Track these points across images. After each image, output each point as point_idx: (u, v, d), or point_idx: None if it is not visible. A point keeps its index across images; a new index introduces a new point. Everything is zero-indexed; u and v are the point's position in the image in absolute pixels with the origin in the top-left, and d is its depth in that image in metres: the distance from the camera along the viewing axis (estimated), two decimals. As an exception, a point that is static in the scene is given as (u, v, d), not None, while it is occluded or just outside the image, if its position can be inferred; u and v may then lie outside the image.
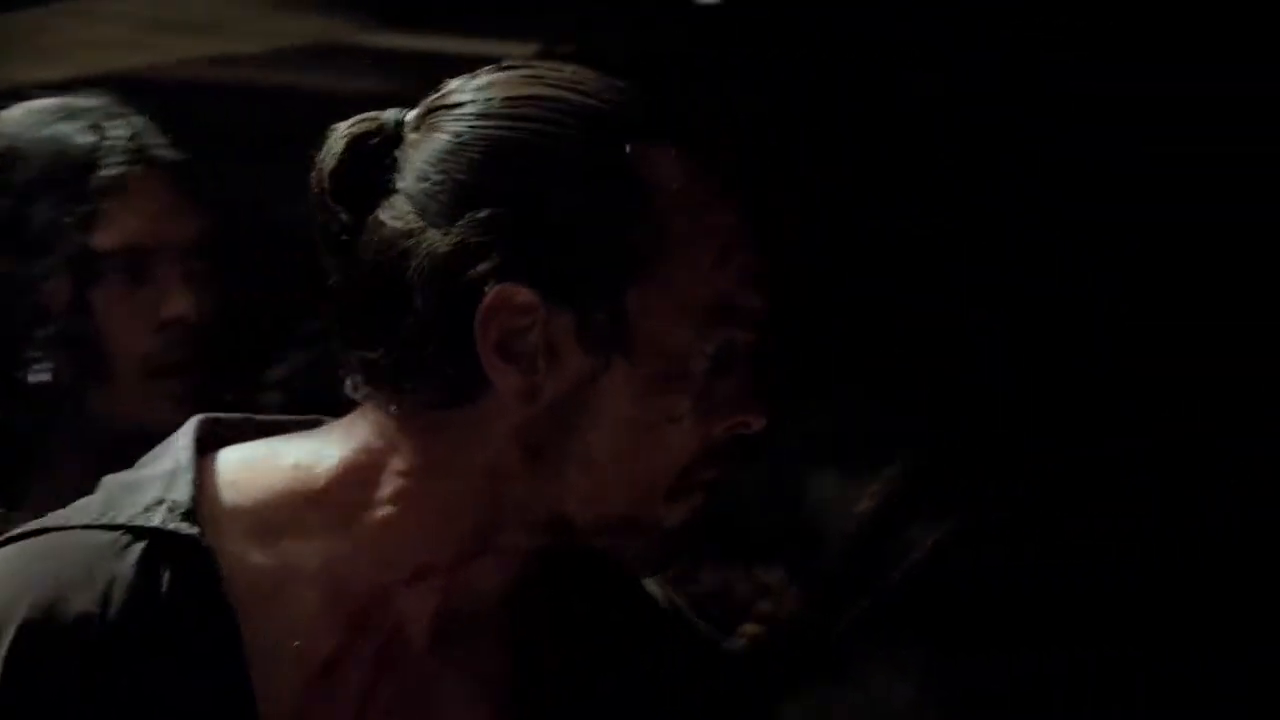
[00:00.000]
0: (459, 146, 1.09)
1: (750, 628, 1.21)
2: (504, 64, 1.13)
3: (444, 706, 1.13)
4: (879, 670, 1.59)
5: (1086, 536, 1.85)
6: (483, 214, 1.06)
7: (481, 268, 1.06)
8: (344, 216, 1.10)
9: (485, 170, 1.08)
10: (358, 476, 1.10)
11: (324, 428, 1.14)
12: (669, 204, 1.09)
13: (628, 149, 1.08)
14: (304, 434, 1.14)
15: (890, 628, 1.57)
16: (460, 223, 1.06)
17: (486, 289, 1.06)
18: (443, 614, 1.13)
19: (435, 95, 1.13)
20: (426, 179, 1.08)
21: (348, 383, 1.11)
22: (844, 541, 1.13)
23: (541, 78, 1.12)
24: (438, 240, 1.07)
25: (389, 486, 1.10)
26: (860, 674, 1.58)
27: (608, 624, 1.19)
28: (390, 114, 1.12)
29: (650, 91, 1.14)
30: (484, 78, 1.12)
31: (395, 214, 1.09)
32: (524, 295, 1.06)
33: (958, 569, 1.66)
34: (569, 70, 1.12)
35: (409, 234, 1.08)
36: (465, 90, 1.12)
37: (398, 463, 1.10)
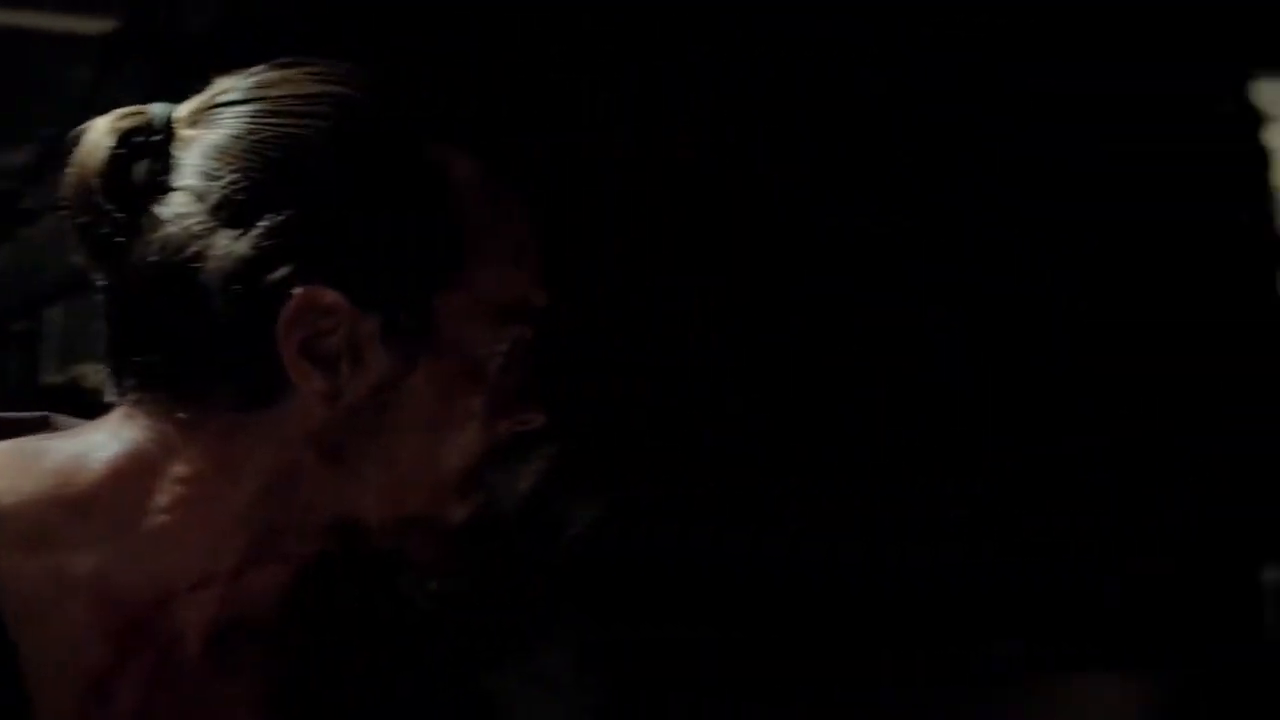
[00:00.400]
0: (253, 145, 1.04)
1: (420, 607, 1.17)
2: (280, 61, 1.09)
3: (219, 716, 1.06)
4: (543, 644, 1.54)
5: (735, 515, 1.77)
6: (284, 215, 1.01)
7: (284, 270, 1.01)
8: (116, 216, 1.03)
9: (284, 169, 1.03)
10: (131, 483, 1.04)
11: (79, 430, 1.08)
12: (469, 205, 1.06)
13: (429, 151, 1.05)
14: (58, 436, 1.08)
15: (552, 603, 1.52)
16: (260, 223, 1.01)
17: (291, 291, 1.01)
18: (219, 622, 1.06)
19: (209, 92, 1.07)
20: (216, 177, 1.03)
21: (109, 385, 1.04)
22: (506, 521, 1.08)
23: (327, 76, 1.07)
24: (234, 242, 1.01)
25: (168, 494, 1.04)
26: (526, 648, 1.52)
27: (375, 623, 1.14)
28: (156, 109, 1.07)
29: (441, 92, 1.09)
30: (262, 75, 1.08)
31: (179, 213, 1.03)
32: (329, 297, 1.02)
33: (613, 545, 1.60)
34: (349, 70, 1.08)
35: (199, 235, 1.02)
36: (244, 87, 1.07)
37: (179, 469, 1.04)
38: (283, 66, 1.07)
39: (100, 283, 1.05)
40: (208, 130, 1.04)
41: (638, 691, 1.71)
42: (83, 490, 1.03)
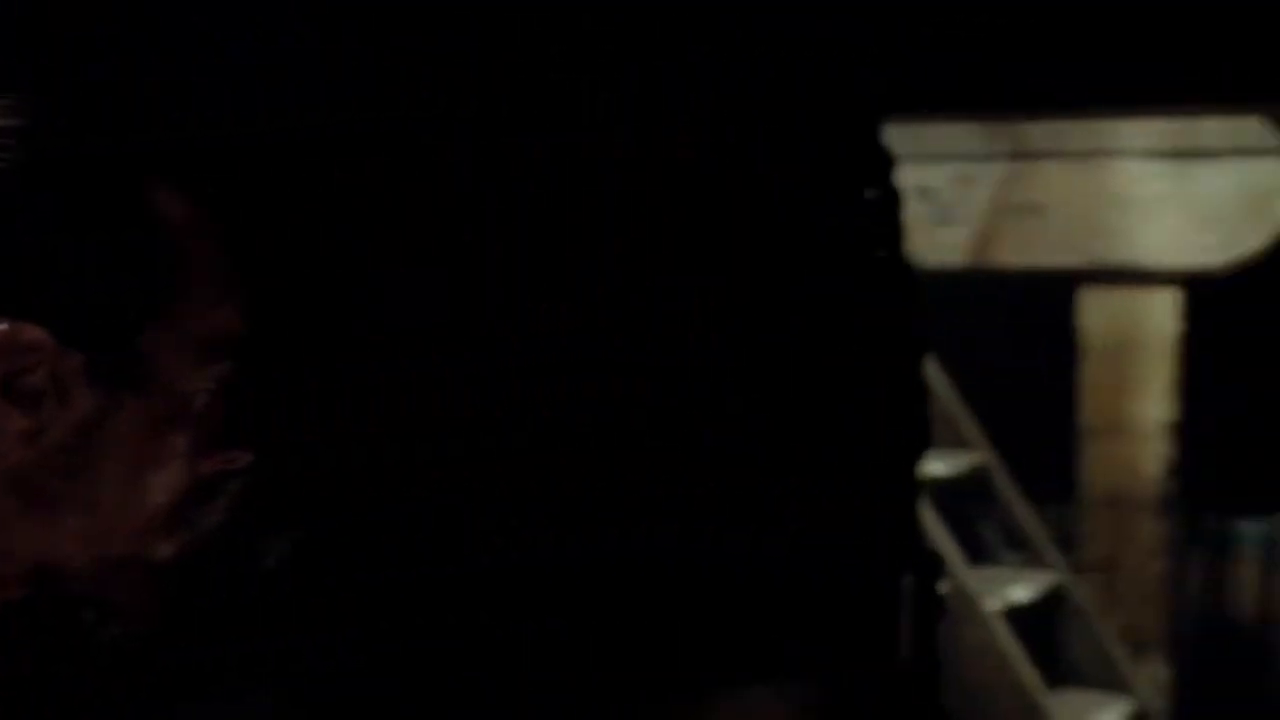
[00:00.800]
0: None
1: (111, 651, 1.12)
2: None
3: None
4: (236, 681, 1.50)
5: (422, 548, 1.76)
6: None
7: None
8: None
9: None
10: None
11: None
12: (175, 239, 1.02)
13: (134, 185, 1.02)
14: None
15: (246, 637, 1.49)
16: None
17: None
18: None
19: None
20: None
21: None
22: (194, 554, 1.05)
23: (19, 109, 1.02)
24: None
25: None
26: (218, 686, 1.49)
27: (71, 667, 1.07)
28: None
29: (146, 127, 1.04)
30: None
31: None
32: (32, 333, 0.97)
33: (304, 575, 1.58)
34: (42, 104, 1.04)
35: None
36: None
37: None
38: None
39: None
40: None
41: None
42: None
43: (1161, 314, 5.03)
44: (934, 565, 1.99)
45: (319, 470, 1.62)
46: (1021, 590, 4.54)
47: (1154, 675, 5.00)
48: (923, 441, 1.98)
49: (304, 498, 1.58)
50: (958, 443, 4.72)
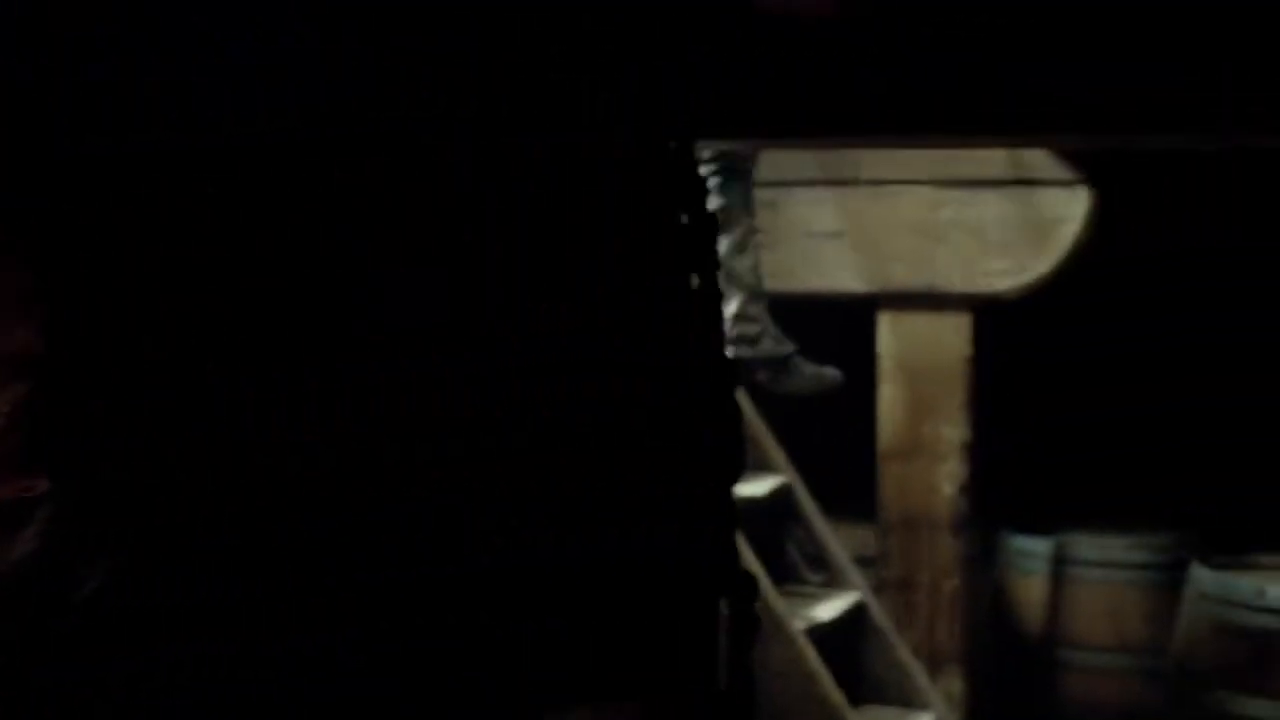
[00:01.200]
0: None
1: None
2: None
3: None
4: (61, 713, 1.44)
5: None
6: None
7: None
8: None
9: None
10: None
11: None
12: None
13: None
14: None
15: (67, 668, 1.43)
16: None
17: None
18: None
19: None
20: None
21: None
22: (10, 585, 1.00)
23: None
24: None
25: None
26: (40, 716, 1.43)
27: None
28: None
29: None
30: None
31: None
32: None
33: (127, 604, 1.52)
34: None
35: None
36: None
37: None
38: None
39: None
40: None
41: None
42: None
43: (955, 338, 5.12)
44: (750, 587, 1.98)
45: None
46: (824, 610, 4.57)
47: (949, 690, 5.08)
48: (738, 464, 1.97)
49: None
50: (761, 464, 4.74)
